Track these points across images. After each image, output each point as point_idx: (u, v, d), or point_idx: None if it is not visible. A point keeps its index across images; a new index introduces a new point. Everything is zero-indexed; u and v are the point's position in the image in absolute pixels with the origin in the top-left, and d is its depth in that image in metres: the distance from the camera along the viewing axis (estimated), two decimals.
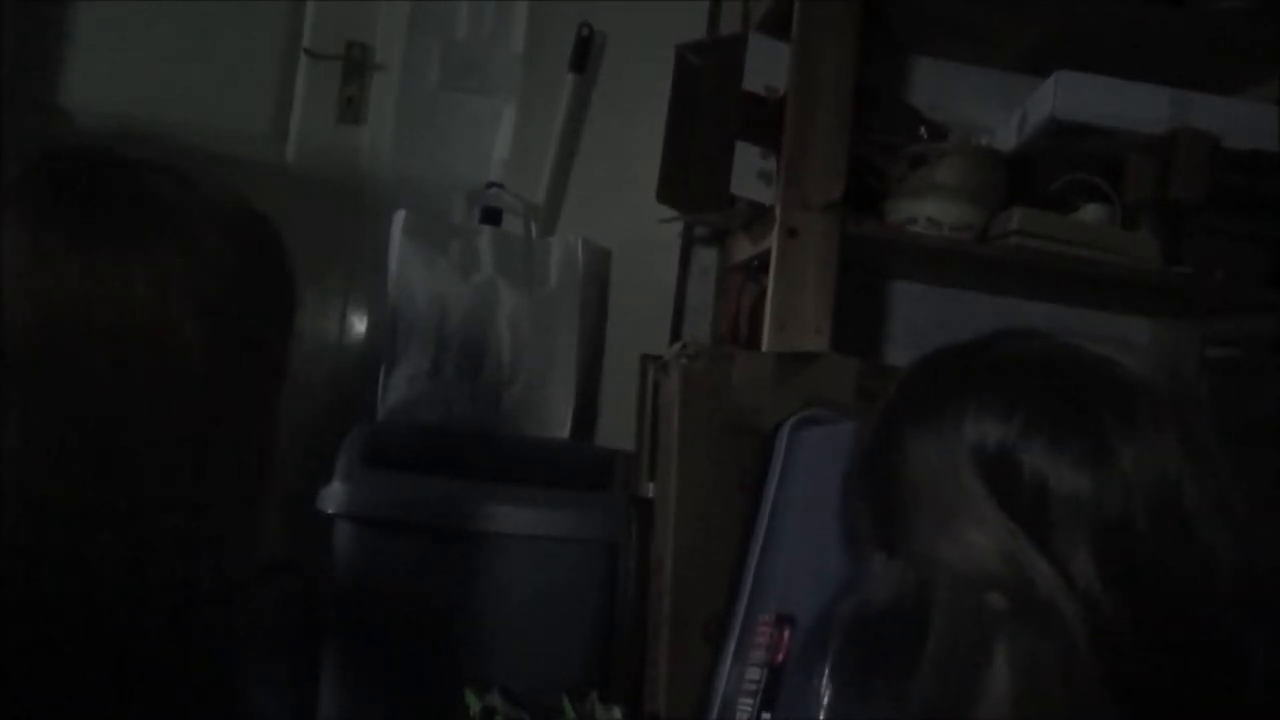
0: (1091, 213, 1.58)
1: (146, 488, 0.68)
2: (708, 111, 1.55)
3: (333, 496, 1.36)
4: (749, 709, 1.12)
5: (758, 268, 1.57)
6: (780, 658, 1.11)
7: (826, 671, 1.06)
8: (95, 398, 0.66)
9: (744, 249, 1.63)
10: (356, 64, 1.80)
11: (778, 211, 1.44)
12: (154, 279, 0.68)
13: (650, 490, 1.42)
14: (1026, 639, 0.58)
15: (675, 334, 1.71)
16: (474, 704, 1.28)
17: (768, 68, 1.47)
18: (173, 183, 0.73)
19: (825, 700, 1.05)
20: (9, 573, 0.63)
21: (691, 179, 1.57)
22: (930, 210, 1.51)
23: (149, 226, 0.70)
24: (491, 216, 1.67)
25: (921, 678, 0.60)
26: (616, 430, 1.64)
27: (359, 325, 1.78)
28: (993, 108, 1.73)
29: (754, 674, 1.13)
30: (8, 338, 0.64)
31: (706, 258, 1.75)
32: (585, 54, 1.69)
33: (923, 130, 1.64)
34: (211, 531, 0.72)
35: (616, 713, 1.30)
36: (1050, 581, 0.58)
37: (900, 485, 0.65)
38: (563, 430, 1.60)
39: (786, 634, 1.11)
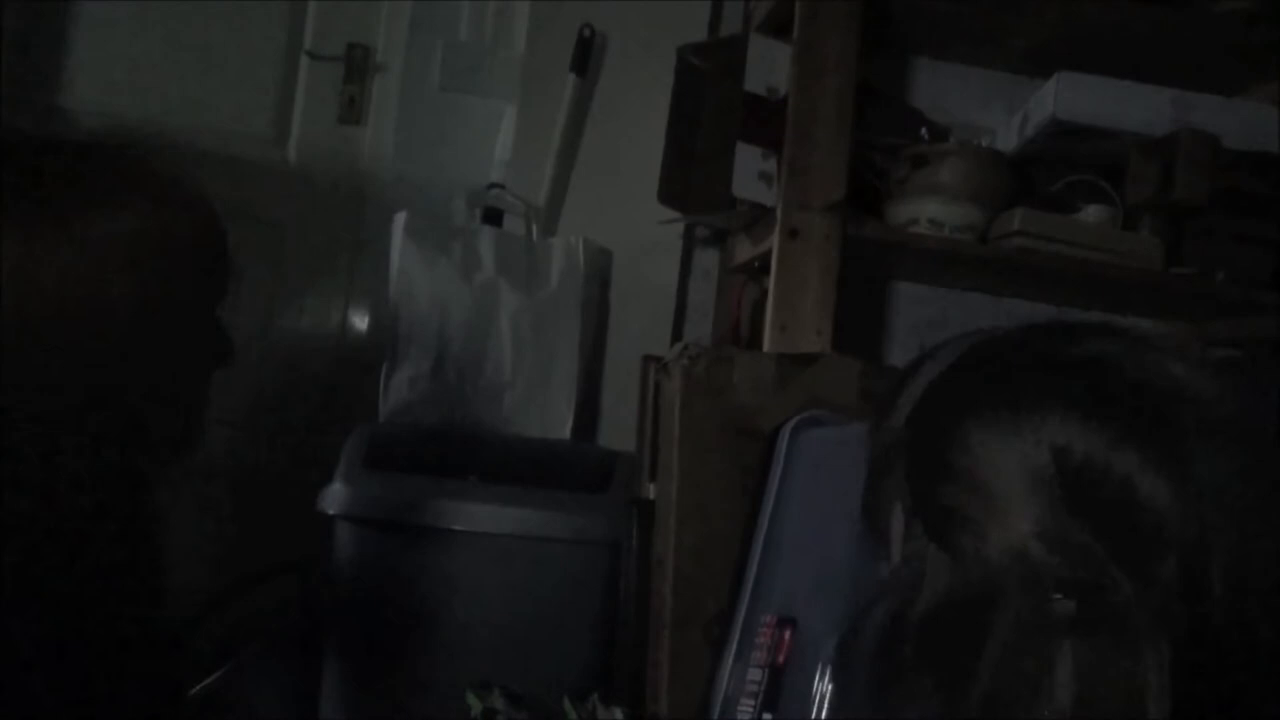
0: (1093, 214, 1.58)
1: (91, 453, 0.70)
2: (709, 113, 1.55)
3: (334, 497, 1.36)
4: (750, 710, 1.12)
5: (759, 269, 1.57)
6: (782, 658, 1.11)
7: (828, 673, 1.06)
8: (33, 370, 0.69)
9: (745, 250, 1.62)
10: (358, 65, 1.80)
11: (779, 212, 1.44)
12: (73, 250, 0.73)
13: (651, 491, 1.42)
14: (1093, 647, 0.57)
15: (676, 335, 1.71)
16: (475, 705, 1.28)
17: (769, 69, 1.47)
18: (95, 157, 0.76)
19: (825, 701, 1.06)
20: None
21: (693, 180, 1.57)
22: (932, 211, 1.50)
23: (65, 201, 0.74)
24: (493, 217, 1.67)
25: (978, 678, 0.58)
26: (617, 431, 1.64)
27: (360, 326, 1.78)
28: (994, 109, 1.73)
29: (755, 675, 1.13)
30: None
31: (708, 259, 1.75)
32: (586, 55, 1.69)
33: (924, 131, 1.64)
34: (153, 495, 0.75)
35: (618, 714, 1.30)
36: (1125, 592, 0.57)
37: (960, 479, 0.63)
38: (564, 431, 1.60)
39: (788, 635, 1.11)
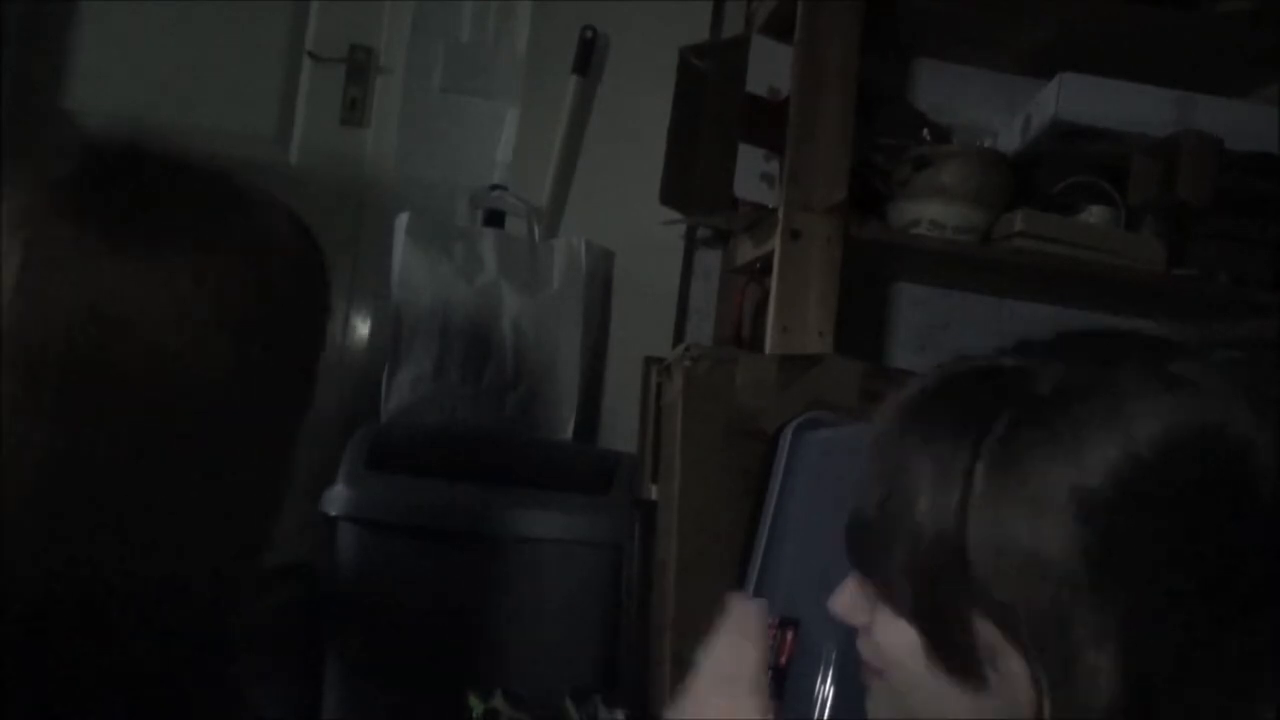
0: (1095, 215, 1.58)
1: (166, 499, 0.67)
2: (711, 114, 1.55)
3: (336, 499, 1.36)
4: None
5: (761, 270, 1.57)
6: (784, 660, 1.11)
7: (830, 674, 1.06)
8: (124, 404, 0.65)
9: (747, 251, 1.62)
10: (360, 66, 1.80)
11: (781, 214, 1.44)
12: (192, 285, 0.66)
13: (653, 493, 1.42)
14: None
15: (678, 336, 1.71)
16: (476, 707, 1.28)
17: (771, 70, 1.47)
18: (220, 193, 0.71)
19: (828, 703, 1.05)
20: (22, 577, 0.63)
21: (695, 181, 1.56)
22: (933, 213, 1.50)
23: (191, 230, 0.68)
24: (495, 219, 1.67)
25: None
26: (619, 433, 1.64)
27: (362, 328, 1.78)
28: (996, 110, 1.73)
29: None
30: (42, 337, 0.64)
31: (709, 260, 1.75)
32: (588, 56, 1.69)
33: (926, 132, 1.64)
34: (224, 544, 0.71)
35: (620, 715, 1.30)
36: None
37: None
38: (565, 432, 1.60)
39: (790, 636, 1.11)
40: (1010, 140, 1.65)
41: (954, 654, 0.58)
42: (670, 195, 1.59)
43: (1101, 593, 0.54)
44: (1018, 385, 0.58)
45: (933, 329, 1.78)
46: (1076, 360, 0.59)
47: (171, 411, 0.66)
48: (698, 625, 1.27)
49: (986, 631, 0.57)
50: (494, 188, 1.70)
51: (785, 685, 1.10)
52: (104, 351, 0.64)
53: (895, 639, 0.61)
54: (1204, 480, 0.55)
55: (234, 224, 0.70)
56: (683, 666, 1.28)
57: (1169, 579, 0.54)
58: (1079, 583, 0.54)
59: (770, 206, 1.46)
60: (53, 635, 0.63)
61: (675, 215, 1.62)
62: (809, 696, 1.06)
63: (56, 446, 0.63)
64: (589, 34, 1.68)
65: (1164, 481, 0.55)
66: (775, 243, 1.44)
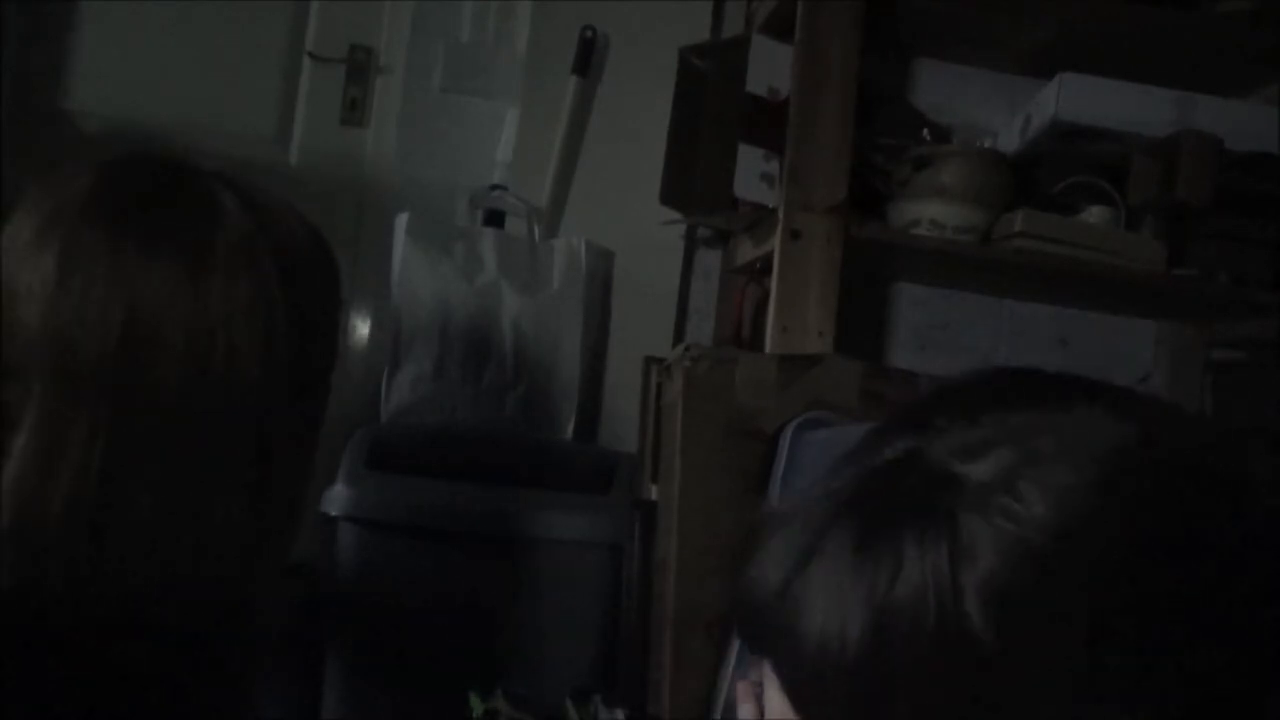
0: (1095, 215, 1.58)
1: (196, 507, 0.67)
2: (711, 113, 1.55)
3: (336, 499, 1.36)
4: None
5: (761, 270, 1.57)
6: None
7: None
8: (159, 413, 0.65)
9: (747, 251, 1.62)
10: (360, 66, 1.80)
11: (780, 214, 1.44)
12: (227, 296, 0.67)
13: (654, 493, 1.43)
14: None
15: (678, 336, 1.71)
16: (477, 707, 1.28)
17: (771, 70, 1.47)
18: (240, 198, 0.72)
19: None
20: (37, 581, 0.63)
21: (695, 181, 1.57)
22: (933, 212, 1.50)
23: (223, 242, 0.69)
24: (495, 219, 1.67)
25: None
26: (619, 432, 1.64)
27: (362, 328, 1.78)
28: (996, 110, 1.73)
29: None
30: (77, 344, 0.64)
31: (710, 260, 1.75)
32: (588, 56, 1.69)
33: (926, 132, 1.64)
34: (243, 544, 0.71)
35: (620, 715, 1.30)
36: None
37: None
38: (565, 432, 1.60)
39: None
40: (1010, 140, 1.65)
41: None
42: (670, 195, 1.59)
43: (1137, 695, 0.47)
44: (955, 482, 0.49)
45: (933, 329, 1.78)
46: (990, 425, 0.51)
47: (198, 414, 0.66)
48: (698, 624, 1.27)
49: None
50: (494, 188, 1.70)
51: None
52: (134, 356, 0.64)
53: None
54: (1194, 540, 0.48)
55: (253, 227, 0.70)
56: (684, 667, 1.28)
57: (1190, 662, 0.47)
58: (1109, 687, 0.47)
59: (770, 206, 1.46)
60: (60, 636, 0.63)
61: (675, 215, 1.62)
62: None
63: (89, 451, 0.63)
64: (589, 34, 1.68)
65: (1165, 556, 0.48)
66: (775, 243, 1.44)
